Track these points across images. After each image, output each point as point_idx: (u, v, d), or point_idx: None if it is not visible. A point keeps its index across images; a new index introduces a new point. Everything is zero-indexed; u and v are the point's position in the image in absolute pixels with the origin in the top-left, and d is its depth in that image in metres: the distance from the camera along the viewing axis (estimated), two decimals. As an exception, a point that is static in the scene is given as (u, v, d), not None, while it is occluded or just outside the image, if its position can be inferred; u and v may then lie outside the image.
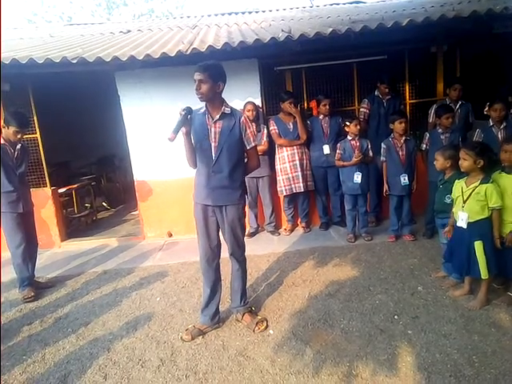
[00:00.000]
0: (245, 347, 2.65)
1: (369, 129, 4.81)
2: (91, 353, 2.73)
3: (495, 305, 2.89)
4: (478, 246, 2.78)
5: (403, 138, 4.15)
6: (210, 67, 2.54)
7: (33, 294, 3.62)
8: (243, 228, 2.88)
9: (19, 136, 3.56)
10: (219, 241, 2.88)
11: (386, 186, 4.28)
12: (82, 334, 2.98)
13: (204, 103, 2.66)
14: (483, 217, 2.77)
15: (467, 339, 2.53)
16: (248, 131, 2.67)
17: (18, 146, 3.65)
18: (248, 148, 2.73)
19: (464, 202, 2.85)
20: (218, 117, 2.61)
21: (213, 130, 2.62)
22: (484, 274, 2.79)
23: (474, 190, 2.78)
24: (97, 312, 3.31)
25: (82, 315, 3.27)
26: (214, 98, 2.59)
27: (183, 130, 2.55)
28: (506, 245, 2.77)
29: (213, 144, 2.62)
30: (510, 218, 2.77)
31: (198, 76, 2.52)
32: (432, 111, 4.56)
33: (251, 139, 2.70)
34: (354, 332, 2.71)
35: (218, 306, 2.92)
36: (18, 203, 3.59)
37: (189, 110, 2.56)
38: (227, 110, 2.63)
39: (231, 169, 2.66)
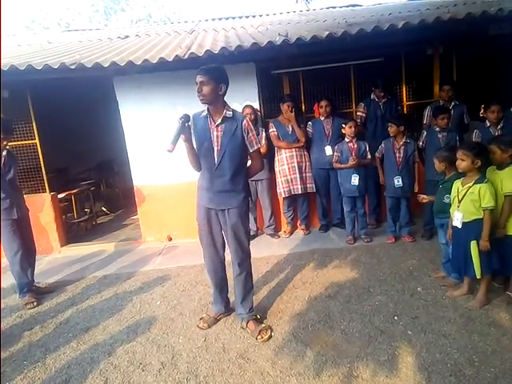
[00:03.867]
0: (245, 349, 2.65)
1: (366, 131, 4.83)
2: (92, 357, 2.73)
3: (495, 304, 2.89)
4: (474, 245, 2.79)
5: (402, 141, 4.17)
6: (212, 69, 2.56)
7: (34, 299, 3.62)
8: (247, 232, 2.85)
9: (5, 143, 3.54)
10: (224, 241, 2.89)
11: (382, 179, 4.35)
12: (83, 339, 2.98)
13: (205, 106, 2.65)
14: (478, 217, 2.77)
15: (467, 339, 2.53)
16: (250, 134, 2.66)
17: (4, 153, 3.61)
18: (251, 151, 2.71)
19: (459, 202, 2.86)
20: (219, 120, 2.60)
21: (215, 133, 2.62)
22: (478, 273, 2.81)
23: (468, 190, 2.80)
24: (97, 317, 3.31)
25: (82, 320, 3.27)
26: (215, 101, 2.59)
27: (182, 137, 2.53)
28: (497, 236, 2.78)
29: (215, 148, 2.61)
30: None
31: (199, 78, 2.53)
32: (426, 112, 4.61)
33: (254, 142, 2.69)
34: (354, 333, 2.71)
35: (227, 296, 3.07)
36: (11, 209, 3.58)
37: (186, 118, 2.54)
38: (229, 114, 2.62)
39: (234, 172, 2.65)
